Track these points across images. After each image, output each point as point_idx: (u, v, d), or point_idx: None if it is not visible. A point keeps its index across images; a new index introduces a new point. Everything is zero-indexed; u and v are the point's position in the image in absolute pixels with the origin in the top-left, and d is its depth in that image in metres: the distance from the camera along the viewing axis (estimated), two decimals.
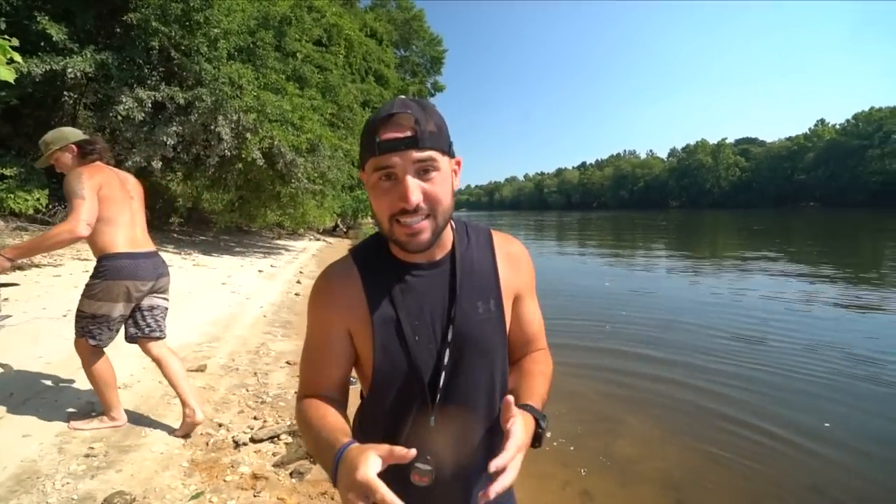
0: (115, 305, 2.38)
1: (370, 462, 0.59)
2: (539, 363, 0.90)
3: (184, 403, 2.50)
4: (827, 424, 3.27)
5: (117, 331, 2.46)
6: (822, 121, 78.65)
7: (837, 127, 74.71)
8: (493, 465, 0.63)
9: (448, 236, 0.83)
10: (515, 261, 0.89)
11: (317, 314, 0.83)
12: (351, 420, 0.84)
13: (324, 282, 0.83)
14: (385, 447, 0.61)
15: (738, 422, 3.37)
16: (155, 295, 2.58)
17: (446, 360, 0.78)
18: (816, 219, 39.20)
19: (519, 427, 0.68)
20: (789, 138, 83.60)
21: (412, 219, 0.70)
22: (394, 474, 0.78)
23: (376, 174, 0.71)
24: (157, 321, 2.58)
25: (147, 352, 2.55)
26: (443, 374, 0.78)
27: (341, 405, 0.82)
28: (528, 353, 0.93)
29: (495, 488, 0.62)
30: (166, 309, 2.67)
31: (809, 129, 79.45)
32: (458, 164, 0.79)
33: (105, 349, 2.45)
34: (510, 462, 0.64)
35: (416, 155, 0.69)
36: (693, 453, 2.98)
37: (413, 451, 0.61)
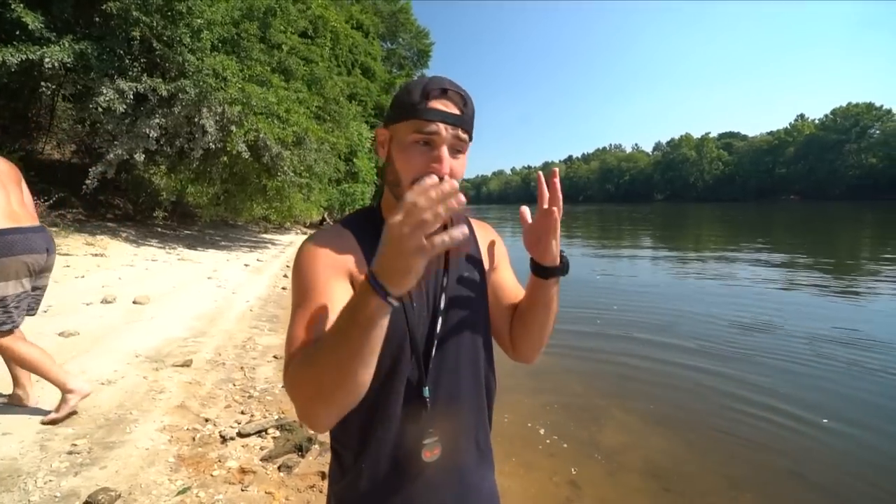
0: (16, 283, 2.31)
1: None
2: None
3: (19, 384, 2.53)
4: (812, 412, 3.36)
5: (24, 309, 2.40)
6: (802, 116, 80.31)
7: (817, 122, 76.24)
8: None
9: None
10: (491, 242, 0.95)
11: (315, 266, 0.75)
12: None
13: (316, 240, 0.79)
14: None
15: (721, 410, 3.45)
16: (42, 273, 2.51)
17: (439, 327, 0.79)
18: (797, 211, 40.05)
19: None
20: (770, 133, 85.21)
21: None
22: (401, 462, 0.78)
23: (415, 136, 0.74)
24: (38, 301, 2.54)
25: None
26: (435, 341, 0.79)
27: None
28: None
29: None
30: (45, 288, 2.60)
31: (790, 124, 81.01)
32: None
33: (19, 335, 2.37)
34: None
35: (459, 134, 0.74)
36: (677, 442, 3.05)
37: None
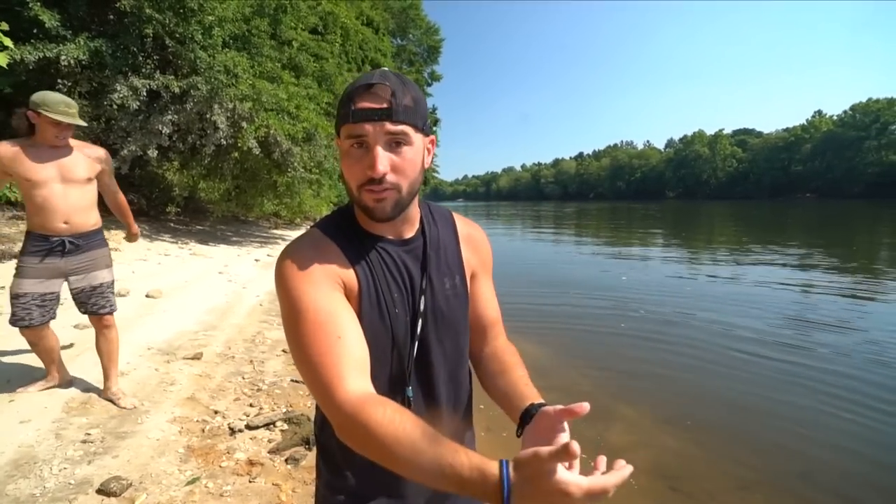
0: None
1: (560, 472, 0.51)
2: (514, 354, 0.92)
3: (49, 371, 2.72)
4: (823, 413, 3.32)
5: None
6: (820, 112, 78.56)
7: (835, 118, 74.65)
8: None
9: (416, 215, 0.85)
10: (475, 243, 0.93)
11: (308, 278, 0.71)
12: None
13: (301, 248, 0.75)
14: (550, 449, 0.50)
15: (729, 410, 3.42)
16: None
17: (419, 331, 0.80)
18: (814, 210, 39.30)
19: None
20: (786, 129, 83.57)
21: (376, 187, 0.71)
22: None
23: (349, 141, 0.72)
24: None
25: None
26: (416, 344, 0.80)
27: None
28: (491, 341, 0.94)
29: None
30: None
31: (807, 121, 79.35)
32: (432, 142, 0.81)
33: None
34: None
35: (389, 127, 0.70)
36: (686, 441, 3.03)
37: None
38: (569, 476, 0.51)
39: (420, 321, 0.80)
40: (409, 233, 0.84)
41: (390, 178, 0.72)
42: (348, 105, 0.71)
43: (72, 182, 2.43)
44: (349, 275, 0.75)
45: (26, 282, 2.39)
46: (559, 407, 0.67)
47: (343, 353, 0.66)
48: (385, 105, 0.69)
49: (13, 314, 2.39)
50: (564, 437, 0.66)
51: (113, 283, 2.67)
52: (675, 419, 3.30)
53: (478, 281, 0.93)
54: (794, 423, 3.19)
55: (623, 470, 0.55)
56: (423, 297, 0.80)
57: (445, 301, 0.83)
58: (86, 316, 2.61)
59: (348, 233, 0.80)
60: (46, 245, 2.41)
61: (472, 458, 0.55)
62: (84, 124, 2.55)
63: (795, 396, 3.58)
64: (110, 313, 2.63)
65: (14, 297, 2.38)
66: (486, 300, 0.94)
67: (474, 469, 0.54)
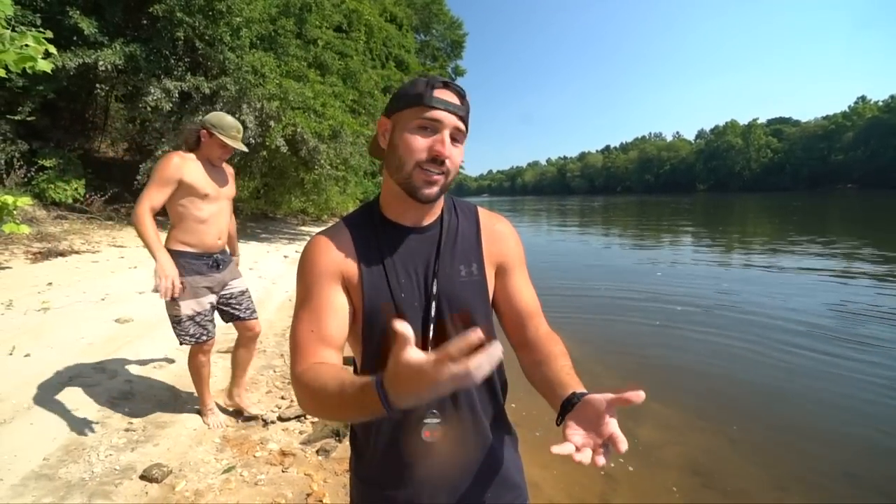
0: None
1: (410, 353, 0.53)
2: (557, 343, 0.89)
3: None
4: (871, 409, 3.17)
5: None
6: (863, 98, 74.41)
7: (880, 104, 70.62)
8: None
9: (438, 204, 0.89)
10: (500, 236, 0.93)
11: (313, 270, 0.82)
12: None
13: (316, 242, 0.85)
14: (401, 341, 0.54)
15: (767, 406, 3.31)
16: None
17: (432, 313, 0.82)
18: (857, 201, 37.33)
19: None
20: (826, 117, 79.58)
21: (436, 168, 0.79)
22: (404, 443, 0.82)
23: (420, 121, 0.79)
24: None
25: None
26: (431, 326, 0.82)
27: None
28: (532, 331, 0.90)
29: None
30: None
31: (849, 107, 75.34)
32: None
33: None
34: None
35: (459, 123, 0.80)
36: (719, 438, 2.95)
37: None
38: (414, 353, 0.53)
39: (434, 304, 0.83)
40: (428, 221, 0.88)
41: (448, 163, 0.80)
42: (428, 91, 0.78)
43: (228, 199, 2.51)
44: (352, 265, 0.83)
45: (200, 301, 2.37)
46: (609, 395, 0.65)
47: (316, 334, 0.78)
48: (460, 103, 0.81)
49: (190, 334, 2.35)
50: (613, 426, 0.65)
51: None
52: (710, 415, 3.21)
53: (508, 273, 0.93)
54: (837, 420, 3.06)
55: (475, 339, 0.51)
56: (435, 281, 0.83)
57: (461, 286, 0.85)
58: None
59: (367, 223, 0.87)
60: (207, 261, 2.40)
61: (357, 381, 0.63)
62: (246, 150, 2.56)
63: (839, 392, 3.42)
64: (256, 317, 2.67)
65: (193, 315, 2.34)
66: (521, 291, 0.93)
67: (358, 388, 0.61)
